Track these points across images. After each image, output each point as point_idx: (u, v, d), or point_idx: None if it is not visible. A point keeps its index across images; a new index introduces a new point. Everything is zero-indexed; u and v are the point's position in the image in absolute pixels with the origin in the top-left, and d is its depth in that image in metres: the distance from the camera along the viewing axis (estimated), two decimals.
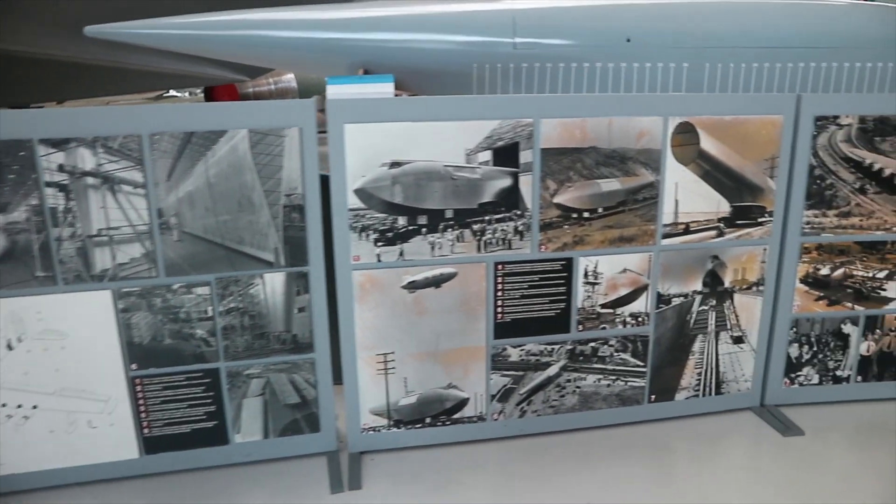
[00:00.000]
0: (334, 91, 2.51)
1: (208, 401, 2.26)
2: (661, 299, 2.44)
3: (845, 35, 2.83)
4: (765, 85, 2.77)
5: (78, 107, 2.62)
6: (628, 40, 2.68)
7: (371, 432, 2.37)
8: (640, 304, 2.43)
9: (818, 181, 2.47)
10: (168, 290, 2.14)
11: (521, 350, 2.39)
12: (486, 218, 2.25)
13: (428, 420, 2.39)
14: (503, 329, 2.35)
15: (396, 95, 2.71)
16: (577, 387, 2.46)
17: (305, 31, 2.72)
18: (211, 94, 8.59)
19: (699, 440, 2.47)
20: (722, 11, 2.81)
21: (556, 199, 2.27)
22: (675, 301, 2.46)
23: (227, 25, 2.71)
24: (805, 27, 2.81)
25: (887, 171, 2.51)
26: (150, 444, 2.25)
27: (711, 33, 2.75)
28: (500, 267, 2.29)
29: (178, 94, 10.62)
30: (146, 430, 2.24)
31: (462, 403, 2.40)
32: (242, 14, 2.76)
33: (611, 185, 2.30)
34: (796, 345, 2.62)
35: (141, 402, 2.21)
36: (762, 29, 2.79)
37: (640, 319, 2.44)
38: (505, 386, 2.41)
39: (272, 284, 2.21)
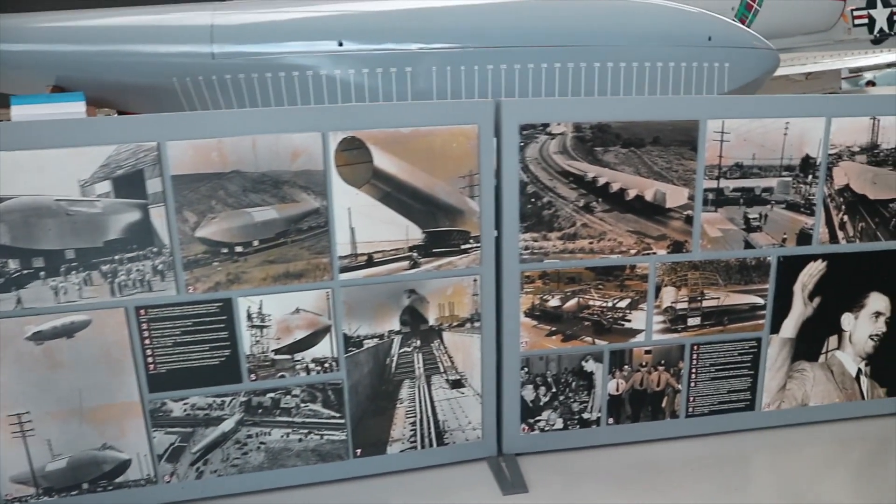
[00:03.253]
0: (19, 112, 2.24)
1: None
2: (351, 342, 2.13)
3: (598, 33, 2.49)
4: (502, 89, 2.44)
5: None
6: (340, 44, 2.37)
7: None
8: (325, 348, 2.12)
9: (533, 199, 2.14)
10: None
11: (185, 404, 2.09)
12: (117, 257, 1.95)
13: (86, 486, 2.10)
14: (159, 381, 2.06)
15: (107, 114, 2.43)
16: (262, 442, 2.16)
17: None
18: None
19: (409, 498, 2.16)
20: (454, 9, 2.49)
21: (199, 233, 1.97)
22: (369, 343, 2.15)
23: None
24: (550, 23, 2.48)
25: (615, 186, 2.18)
26: None
27: (438, 34, 2.42)
28: (142, 312, 1.99)
29: None
30: None
31: (124, 465, 2.10)
32: None
33: (265, 214, 2.00)
34: (530, 386, 2.29)
35: None
36: (498, 27, 2.46)
37: (326, 365, 2.13)
38: (172, 444, 2.11)
39: None
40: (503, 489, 2.16)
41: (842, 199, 2.33)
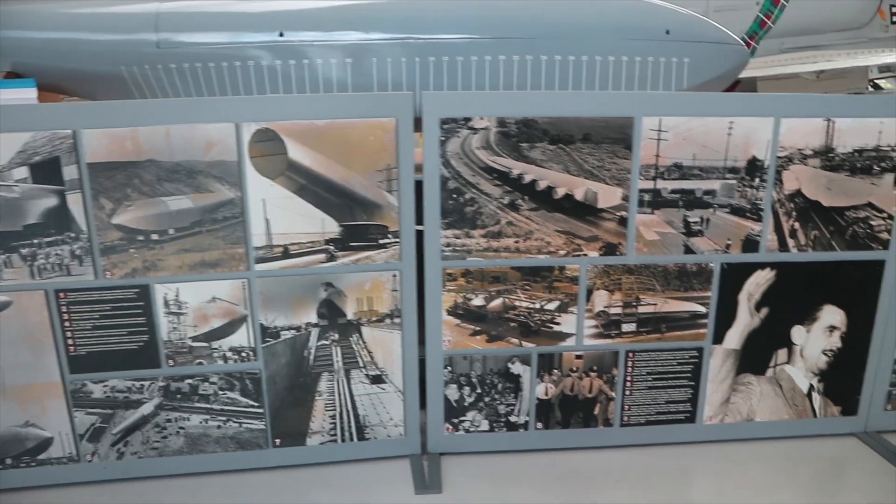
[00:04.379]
0: None
1: None
2: (268, 332, 2.13)
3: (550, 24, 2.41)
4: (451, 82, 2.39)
5: None
6: (281, 34, 2.36)
7: None
8: (242, 338, 2.13)
9: (455, 195, 2.09)
10: None
11: (105, 386, 2.13)
12: (35, 241, 2.00)
13: (9, 461, 2.16)
14: (80, 363, 2.10)
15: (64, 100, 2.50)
16: (181, 427, 2.19)
17: None
18: None
19: (323, 491, 2.15)
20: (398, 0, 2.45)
21: (115, 220, 2.00)
22: (286, 334, 2.15)
23: None
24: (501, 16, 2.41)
25: (542, 184, 2.11)
26: None
27: (380, 24, 2.39)
28: (62, 295, 2.04)
29: None
30: None
31: (46, 443, 2.16)
32: None
33: (180, 203, 2.01)
34: (454, 386, 2.25)
35: None
36: (444, 17, 2.41)
37: (244, 355, 2.14)
38: (93, 425, 2.16)
39: None
40: (416, 488, 2.13)
41: (792, 206, 2.20)
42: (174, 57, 2.40)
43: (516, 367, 2.25)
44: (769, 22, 4.74)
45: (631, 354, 2.26)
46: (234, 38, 2.40)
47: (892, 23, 5.53)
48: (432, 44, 2.40)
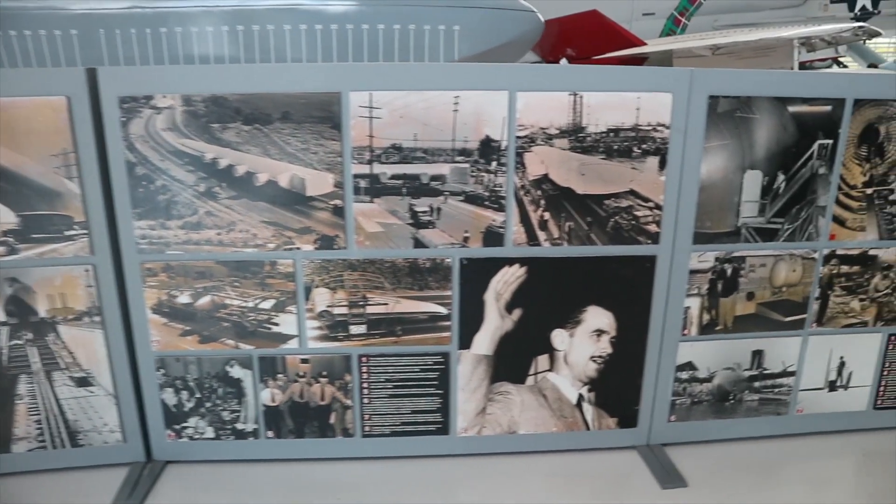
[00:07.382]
0: None
1: None
2: None
3: None
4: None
5: None
6: None
7: None
8: None
9: (144, 182, 1.88)
10: None
11: None
12: None
13: None
14: None
15: None
16: None
17: None
18: None
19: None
20: None
21: None
22: None
23: None
24: None
25: (240, 169, 1.88)
26: None
27: None
28: None
29: None
30: None
31: None
32: None
33: None
34: (171, 390, 2.05)
35: None
36: None
37: None
38: None
39: None
40: (117, 498, 1.96)
41: (540, 193, 1.93)
42: None
43: (236, 371, 2.04)
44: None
45: (364, 359, 2.03)
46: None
47: (833, 2, 5.05)
48: (172, 13, 2.17)
